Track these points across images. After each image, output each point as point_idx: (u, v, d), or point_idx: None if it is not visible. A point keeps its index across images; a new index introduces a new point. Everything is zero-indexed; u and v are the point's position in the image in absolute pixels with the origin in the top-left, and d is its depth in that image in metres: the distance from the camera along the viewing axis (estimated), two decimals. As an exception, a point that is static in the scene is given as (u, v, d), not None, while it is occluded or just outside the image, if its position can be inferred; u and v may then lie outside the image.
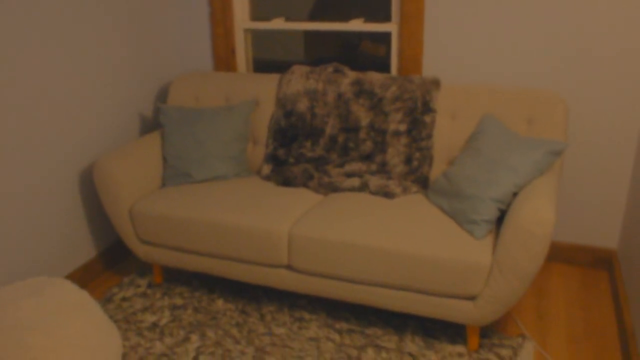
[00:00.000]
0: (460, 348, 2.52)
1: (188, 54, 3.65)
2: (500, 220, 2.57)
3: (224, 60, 3.55)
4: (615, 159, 2.94)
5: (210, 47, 3.59)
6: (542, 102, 2.68)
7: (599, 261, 3.13)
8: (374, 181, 2.81)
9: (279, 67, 3.65)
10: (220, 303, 2.89)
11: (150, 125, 3.52)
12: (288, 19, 3.52)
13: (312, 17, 3.51)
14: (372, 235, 2.41)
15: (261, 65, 3.70)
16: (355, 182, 2.85)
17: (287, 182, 2.93)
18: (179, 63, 3.68)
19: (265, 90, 3.18)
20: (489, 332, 2.62)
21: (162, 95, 3.59)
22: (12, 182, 2.62)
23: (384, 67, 3.39)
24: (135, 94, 3.35)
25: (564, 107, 2.66)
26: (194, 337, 2.63)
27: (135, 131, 3.39)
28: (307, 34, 3.64)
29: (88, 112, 3.01)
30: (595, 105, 2.89)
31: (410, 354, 2.48)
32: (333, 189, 2.86)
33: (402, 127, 2.86)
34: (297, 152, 3.03)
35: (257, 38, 3.65)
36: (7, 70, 2.54)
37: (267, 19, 3.54)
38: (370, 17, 3.32)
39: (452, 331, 2.63)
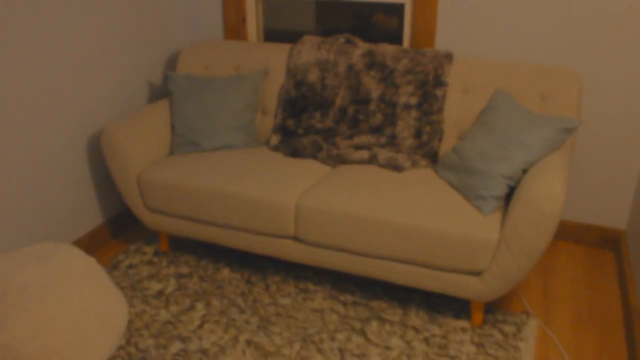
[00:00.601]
0: (464, 323, 2.52)
1: (198, 22, 3.61)
2: (508, 196, 2.55)
3: (234, 29, 3.52)
4: (627, 138, 2.91)
5: (221, 16, 3.55)
6: (556, 78, 2.64)
7: (607, 241, 3.12)
8: (383, 154, 2.79)
9: (290, 37, 3.61)
10: (225, 272, 2.89)
11: (159, 93, 3.50)
12: (300, -12, 3.47)
13: (325, -13, 3.46)
14: (379, 208, 2.40)
15: (272, 35, 3.66)
16: (364, 154, 2.83)
17: (295, 153, 2.91)
18: (189, 31, 3.65)
19: (275, 60, 3.15)
20: (493, 308, 2.63)
21: (172, 63, 3.56)
22: (20, 149, 2.62)
23: (396, 39, 3.35)
24: (144, 61, 3.33)
25: (578, 84, 2.62)
26: (199, 306, 2.64)
27: (144, 99, 3.37)
28: (319, 4, 3.59)
29: (96, 79, 2.99)
30: (609, 82, 2.85)
31: (414, 328, 2.49)
32: (342, 160, 2.84)
33: (413, 100, 2.83)
34: (306, 123, 3.01)
35: (268, 7, 3.61)
36: (15, 39, 2.51)
37: (278, -13, 3.49)
38: (384, -12, 3.27)
39: (457, 306, 2.63)
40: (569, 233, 3.18)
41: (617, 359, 2.36)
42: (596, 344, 2.44)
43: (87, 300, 2.18)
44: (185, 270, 2.92)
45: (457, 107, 2.80)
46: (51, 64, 2.70)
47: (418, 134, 2.81)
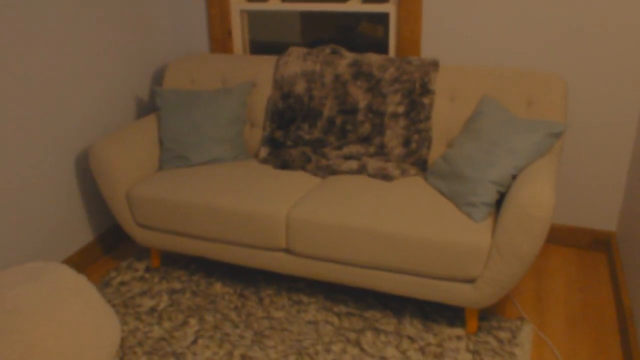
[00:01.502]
0: (458, 331, 2.52)
1: (184, 35, 3.61)
2: (499, 202, 2.56)
3: (220, 42, 3.52)
4: (615, 141, 2.92)
5: (206, 29, 3.55)
6: (542, 83, 2.66)
7: (598, 243, 3.13)
8: (372, 164, 2.79)
9: (276, 48, 3.61)
10: (218, 287, 2.88)
11: (146, 108, 3.50)
12: (285, -1, 3.47)
13: (309, -2, 3.47)
14: (370, 218, 2.40)
15: (258, 47, 3.66)
16: (354, 164, 2.83)
17: (284, 165, 2.91)
18: (175, 45, 3.65)
19: (262, 72, 3.15)
20: (488, 314, 2.62)
21: (158, 78, 3.56)
22: (8, 167, 2.60)
23: (382, 48, 3.36)
24: (131, 76, 3.32)
25: (563, 88, 2.64)
26: (193, 321, 2.62)
27: (131, 114, 3.36)
28: (304, 15, 3.60)
29: (83, 96, 2.98)
30: (595, 84, 2.87)
31: (409, 337, 2.48)
32: (331, 171, 2.84)
33: (401, 109, 2.84)
34: (294, 134, 3.01)
35: (254, 19, 3.61)
36: None
37: (263, -1, 3.49)
38: (368, -2, 3.28)
39: (451, 314, 2.63)
40: (560, 236, 3.19)
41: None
42: (591, 346, 2.44)
43: (78, 319, 2.16)
44: (177, 285, 2.90)
45: (445, 115, 2.80)
46: (37, 81, 2.69)
47: (406, 142, 2.82)
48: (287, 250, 2.61)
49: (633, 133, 2.88)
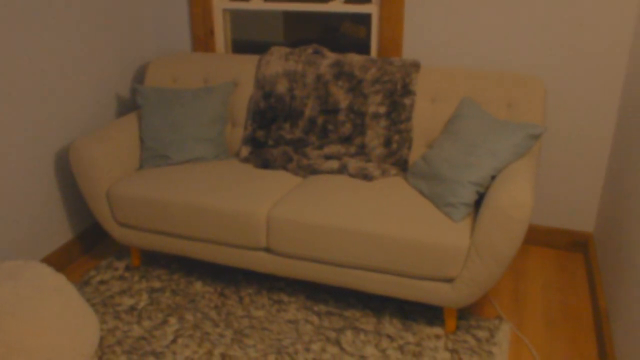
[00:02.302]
0: (437, 330, 2.54)
1: (166, 34, 3.59)
2: (478, 203, 2.58)
3: (202, 41, 3.51)
4: (593, 143, 2.96)
5: (188, 28, 3.54)
6: (522, 86, 2.69)
7: (575, 244, 3.17)
8: (353, 163, 2.81)
9: (258, 48, 3.61)
10: (198, 286, 2.88)
11: (127, 106, 3.48)
12: (267, -1, 3.48)
13: (292, -2, 3.47)
14: (350, 217, 2.41)
15: (240, 47, 3.66)
16: (334, 164, 2.84)
17: (265, 165, 2.91)
18: (157, 43, 3.63)
19: (244, 71, 3.15)
20: (466, 314, 2.65)
21: (140, 76, 3.54)
22: (-14, 163, 2.58)
23: (365, 48, 3.37)
24: (112, 74, 3.30)
25: (542, 91, 2.67)
26: (172, 320, 2.62)
27: (112, 112, 3.35)
28: (287, 15, 3.61)
29: (64, 93, 2.96)
30: (573, 89, 2.90)
31: (389, 336, 2.50)
32: (312, 171, 2.85)
33: (382, 110, 2.85)
34: (276, 134, 3.01)
35: (236, 19, 3.61)
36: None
37: (246, -1, 3.49)
38: (351, -1, 3.30)
39: (430, 313, 2.65)
40: (538, 237, 3.23)
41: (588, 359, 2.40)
42: (567, 346, 2.48)
43: (57, 318, 2.16)
44: (157, 284, 2.89)
45: (426, 116, 2.82)
46: (17, 79, 2.67)
47: (387, 142, 2.83)
48: (268, 250, 2.62)
49: (610, 136, 2.92)
